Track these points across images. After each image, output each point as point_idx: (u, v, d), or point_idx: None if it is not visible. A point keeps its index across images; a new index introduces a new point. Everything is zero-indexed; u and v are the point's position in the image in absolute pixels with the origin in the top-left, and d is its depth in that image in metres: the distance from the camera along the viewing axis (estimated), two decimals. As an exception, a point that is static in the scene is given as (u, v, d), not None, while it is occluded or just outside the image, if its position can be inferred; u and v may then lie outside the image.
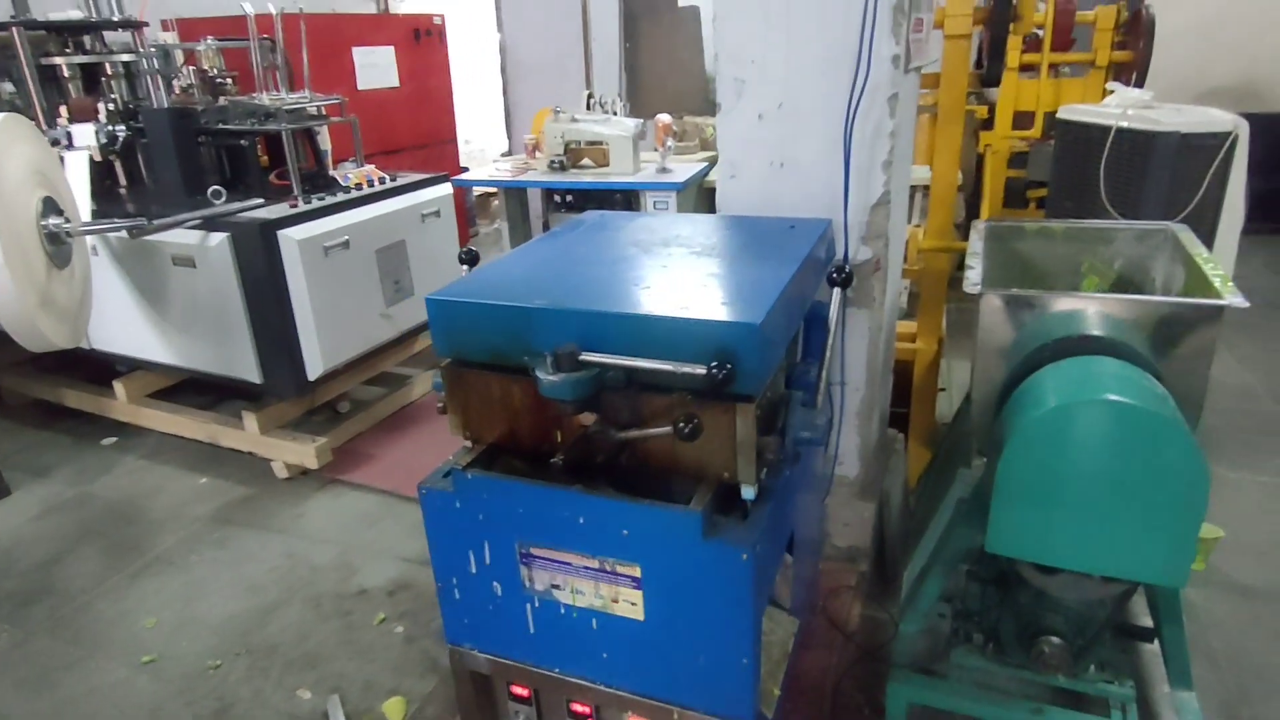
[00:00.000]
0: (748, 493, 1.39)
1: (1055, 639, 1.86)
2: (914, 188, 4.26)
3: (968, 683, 2.04)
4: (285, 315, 3.08)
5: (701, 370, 1.24)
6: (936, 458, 2.90)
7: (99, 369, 3.76)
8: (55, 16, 3.54)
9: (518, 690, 1.70)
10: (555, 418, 1.45)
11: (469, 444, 1.57)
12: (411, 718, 2.15)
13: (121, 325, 3.41)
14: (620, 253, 1.73)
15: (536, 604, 1.54)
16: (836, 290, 1.56)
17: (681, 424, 1.29)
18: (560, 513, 1.43)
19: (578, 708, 1.64)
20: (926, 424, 3.14)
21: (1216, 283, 1.78)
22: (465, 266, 1.74)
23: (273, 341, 3.12)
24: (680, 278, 1.54)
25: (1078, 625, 1.90)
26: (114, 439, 3.73)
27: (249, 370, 3.18)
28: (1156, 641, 2.04)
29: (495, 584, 1.56)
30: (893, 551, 2.58)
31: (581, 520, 1.41)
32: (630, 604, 1.45)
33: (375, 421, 3.72)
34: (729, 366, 1.24)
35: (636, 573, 1.41)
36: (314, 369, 3.19)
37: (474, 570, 1.57)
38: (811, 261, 1.69)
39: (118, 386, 3.65)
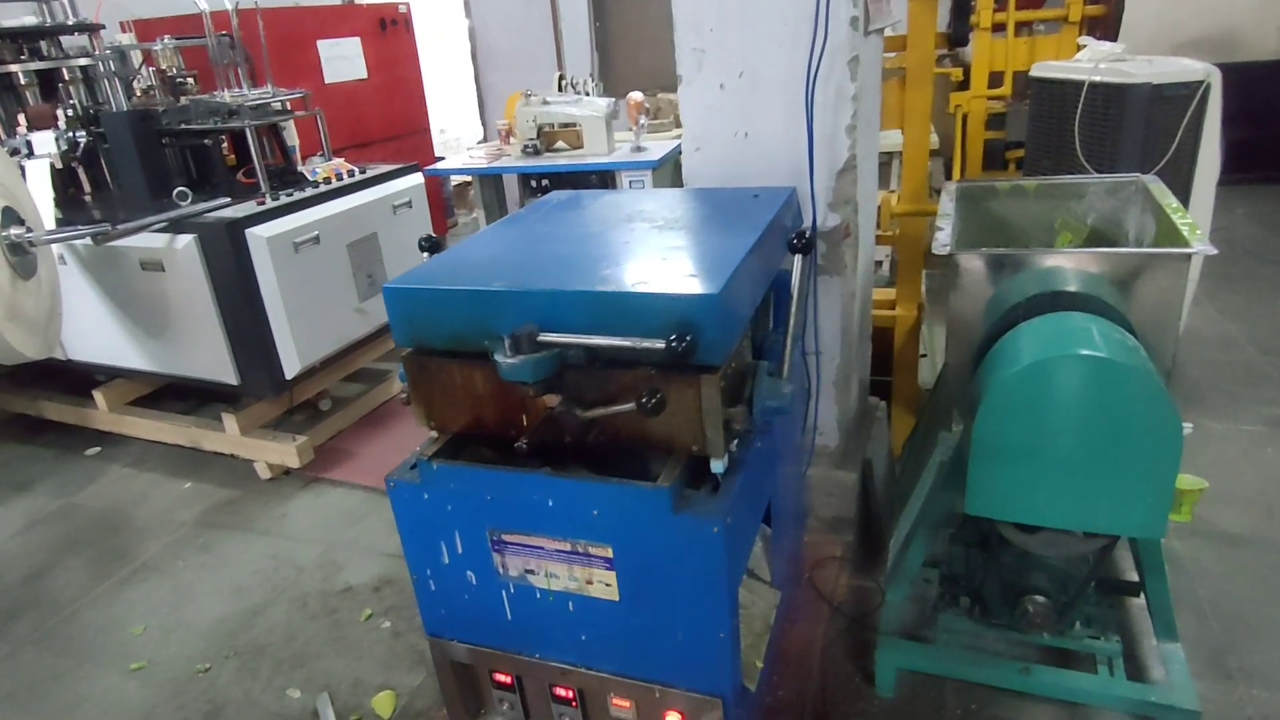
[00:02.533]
0: (717, 465, 1.37)
1: (1039, 598, 1.86)
2: (889, 154, 4.23)
3: (956, 646, 2.04)
4: (258, 315, 3.05)
5: (660, 345, 1.22)
6: (919, 424, 2.89)
7: (78, 380, 3.72)
8: (8, 23, 3.47)
9: (500, 678, 1.69)
10: (520, 401, 1.43)
11: (435, 434, 1.55)
12: (401, 711, 2.14)
13: (96, 334, 3.37)
14: (583, 230, 1.70)
15: (511, 590, 1.53)
16: (799, 257, 1.54)
17: (645, 399, 1.27)
18: (528, 497, 1.41)
19: (561, 692, 1.63)
20: (909, 391, 3.13)
21: (1185, 231, 1.76)
22: (426, 254, 1.71)
23: (247, 342, 3.09)
24: (641, 252, 1.51)
25: (1061, 583, 1.89)
26: (97, 449, 3.69)
27: (225, 372, 3.14)
28: (1142, 595, 2.04)
29: (469, 573, 1.55)
30: (879, 520, 2.57)
31: (550, 503, 1.39)
32: (605, 585, 1.43)
33: (356, 418, 3.69)
34: (689, 338, 1.22)
35: (609, 553, 1.40)
36: (291, 368, 3.16)
37: (447, 560, 1.55)
38: (776, 229, 1.67)
39: (97, 396, 3.61)
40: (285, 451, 3.22)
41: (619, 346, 1.26)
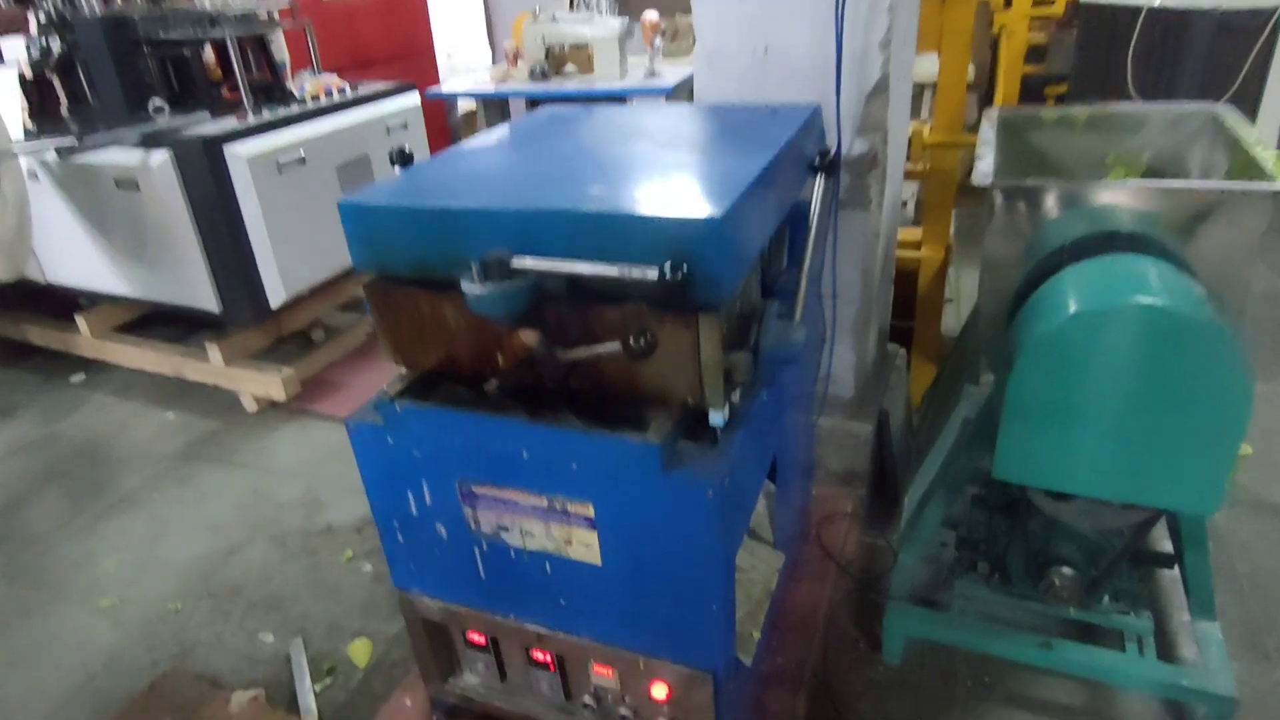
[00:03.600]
0: (715, 419, 1.19)
1: (1067, 569, 1.69)
2: (920, 86, 3.93)
3: (971, 615, 1.89)
4: (240, 239, 2.87)
5: (653, 273, 1.03)
6: (942, 375, 2.70)
7: (63, 304, 3.57)
8: (-27, -84, 3.21)
9: (474, 638, 1.55)
10: (495, 339, 1.25)
11: (403, 371, 1.38)
12: (378, 662, 2.03)
13: (74, 256, 3.20)
14: (573, 147, 1.50)
15: (484, 547, 1.37)
16: (820, 180, 1.33)
17: (633, 340, 1.09)
18: (501, 445, 1.24)
19: (538, 656, 1.50)
20: (931, 338, 2.93)
21: (1269, 165, 1.54)
22: (397, 167, 1.51)
23: (229, 268, 2.91)
24: (636, 171, 1.31)
25: (1091, 555, 1.73)
26: (81, 376, 3.57)
27: (206, 299, 2.98)
28: (1175, 568, 1.88)
29: (439, 526, 1.39)
30: (893, 475, 2.41)
31: (525, 454, 1.23)
32: (585, 547, 1.28)
33: (348, 350, 3.54)
34: (686, 268, 1.03)
35: (590, 512, 1.24)
36: (275, 296, 2.99)
37: (414, 512, 1.39)
38: (794, 151, 1.46)
39: (80, 321, 3.47)
40: (270, 383, 3.07)
41: (604, 276, 1.07)
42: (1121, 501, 1.52)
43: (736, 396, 1.23)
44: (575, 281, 1.14)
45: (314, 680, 1.96)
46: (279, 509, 2.62)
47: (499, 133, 1.65)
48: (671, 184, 1.22)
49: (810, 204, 1.40)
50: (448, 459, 1.30)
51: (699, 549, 1.19)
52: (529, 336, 1.22)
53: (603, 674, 1.45)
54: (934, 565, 2.11)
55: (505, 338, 1.24)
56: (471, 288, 1.11)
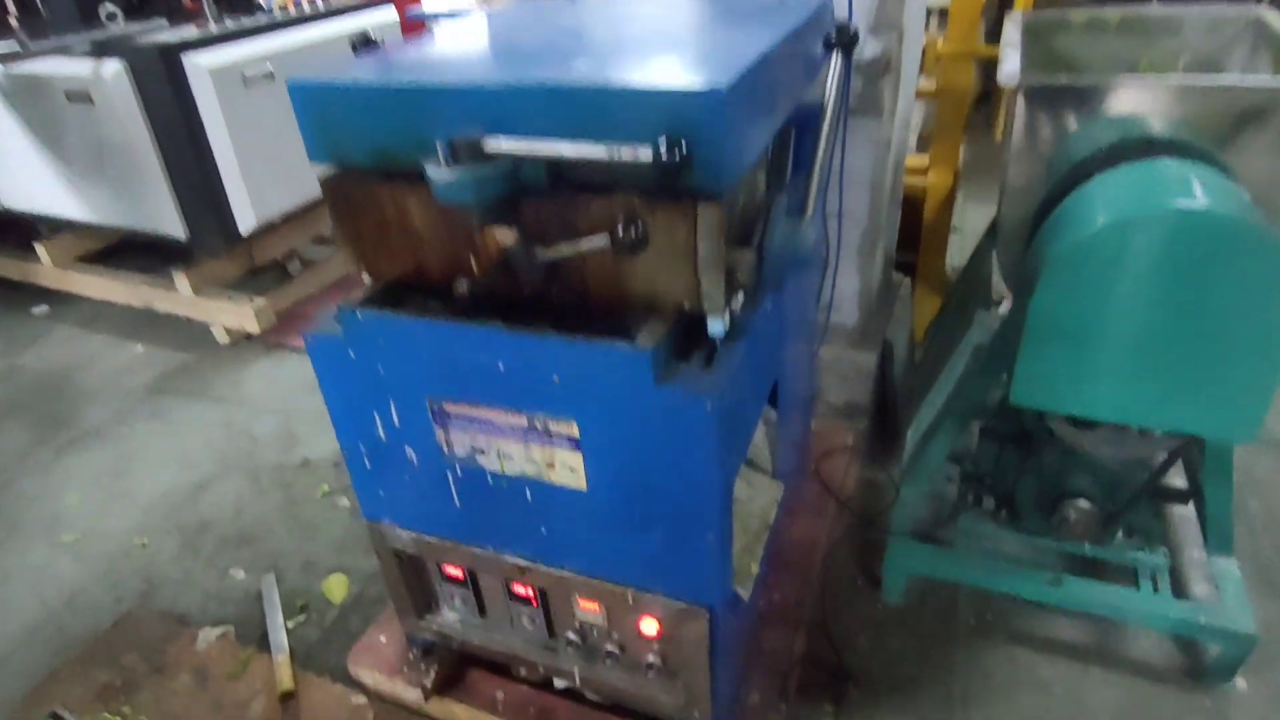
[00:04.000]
0: (715, 326, 1.06)
1: (1083, 502, 1.60)
2: (929, 9, 3.72)
3: (976, 552, 1.80)
4: (205, 159, 2.68)
5: (647, 153, 0.89)
6: (947, 306, 2.57)
7: (24, 232, 3.38)
8: None
9: (450, 571, 1.45)
10: (466, 238, 1.11)
11: (367, 280, 1.24)
12: (355, 598, 1.94)
13: (28, 179, 3.01)
14: (559, 28, 1.34)
15: (459, 472, 1.26)
16: (836, 59, 1.18)
17: (622, 231, 0.95)
18: (474, 357, 1.11)
19: (519, 590, 1.40)
20: (936, 269, 2.80)
21: (1325, 60, 1.39)
22: (359, 50, 1.34)
23: (194, 191, 2.73)
24: (630, 47, 1.15)
25: (1108, 488, 1.63)
26: (45, 307, 3.41)
27: (172, 225, 2.81)
28: (1188, 503, 1.78)
29: (409, 450, 1.27)
30: (895, 409, 2.30)
31: (501, 365, 1.10)
32: (569, 470, 1.16)
33: (326, 284, 3.38)
34: (685, 147, 0.89)
35: (573, 431, 1.11)
36: (245, 222, 2.82)
37: (382, 435, 1.27)
38: (804, 38, 1.30)
39: (40, 250, 3.29)
40: (243, 314, 2.92)
41: (590, 159, 0.93)
42: (1150, 428, 1.41)
43: (737, 304, 1.10)
44: (556, 169, 1.00)
45: (286, 617, 1.87)
46: (253, 443, 2.50)
47: (476, 20, 1.48)
48: (669, 58, 1.07)
49: (824, 93, 1.25)
50: (416, 374, 1.17)
51: (694, 472, 1.07)
52: (504, 235, 1.08)
53: (588, 609, 1.35)
54: (936, 502, 2.02)
55: (477, 237, 1.10)
56: (438, 172, 0.97)
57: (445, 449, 1.24)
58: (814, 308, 1.82)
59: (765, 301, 1.18)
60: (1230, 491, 1.64)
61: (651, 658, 1.35)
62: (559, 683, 1.65)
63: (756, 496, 1.47)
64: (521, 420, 1.14)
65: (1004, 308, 2.18)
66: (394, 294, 1.22)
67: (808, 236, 1.11)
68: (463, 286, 1.08)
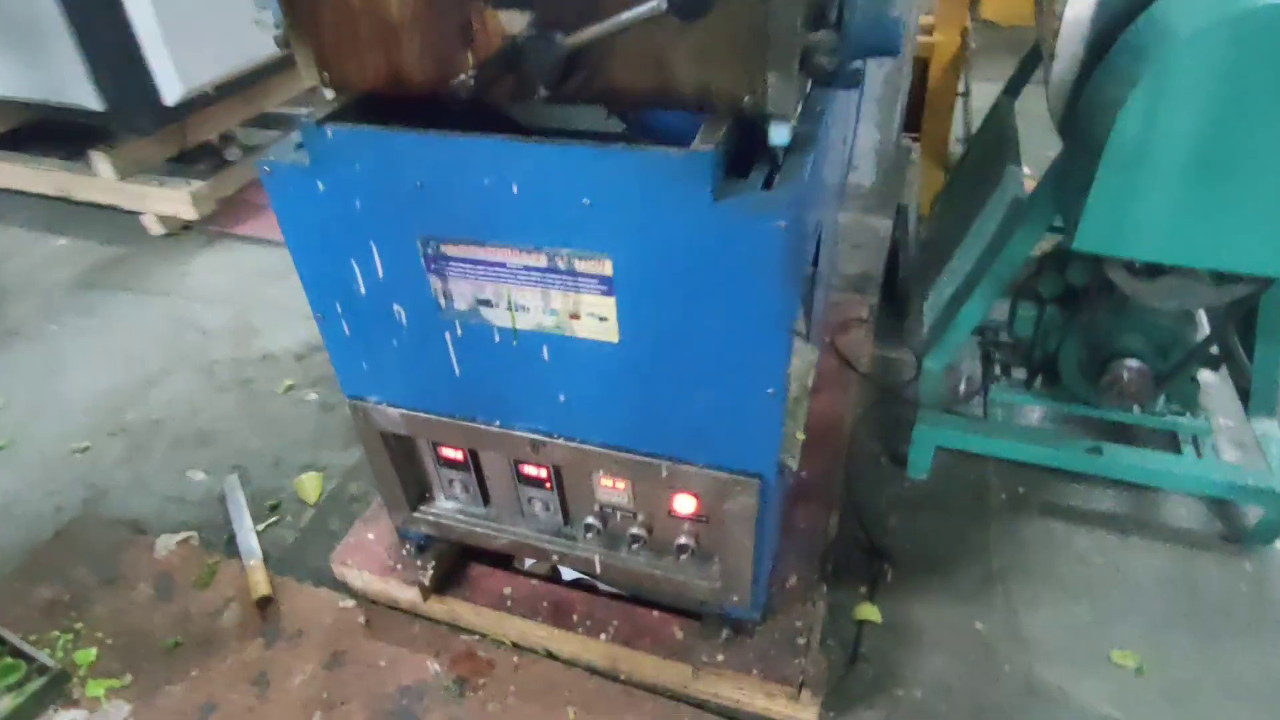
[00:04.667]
0: (779, 133, 0.86)
1: (1134, 362, 1.46)
2: None
3: (1009, 423, 1.68)
4: (117, 14, 2.31)
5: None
6: (960, 171, 2.39)
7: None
8: None
9: (448, 453, 1.26)
10: (462, 27, 0.87)
11: (329, 93, 1.00)
12: (331, 495, 1.75)
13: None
14: None
15: (459, 332, 1.06)
16: None
17: (676, -6, 0.74)
18: (480, 177, 0.90)
19: (530, 471, 1.22)
20: (940, 138, 2.60)
21: None
22: None
23: (109, 54, 2.37)
24: None
25: (1160, 348, 1.50)
26: (-52, 200, 3.02)
27: (85, 94, 2.45)
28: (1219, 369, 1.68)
29: (396, 307, 1.06)
30: (904, 282, 2.15)
31: (515, 188, 0.89)
32: (598, 320, 0.97)
33: (273, 167, 3.04)
34: None
35: (606, 269, 0.92)
36: (171, 91, 2.47)
37: (362, 290, 1.06)
38: None
39: (-67, 132, 2.89)
40: (178, 199, 2.61)
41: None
42: (1232, 270, 1.27)
43: (799, 108, 0.90)
44: (584, -87, 0.77)
45: (256, 520, 1.68)
46: (204, 337, 2.24)
47: None
48: None
49: None
50: (405, 207, 0.95)
51: (756, 313, 0.89)
52: (512, 21, 0.85)
53: (612, 489, 1.19)
54: (952, 376, 1.89)
55: (475, 24, 0.87)
56: (429, -85, 0.73)
57: (442, 303, 1.03)
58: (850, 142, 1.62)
59: (833, 99, 0.98)
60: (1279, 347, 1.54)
61: (684, 539, 1.19)
62: (567, 574, 1.51)
63: (796, 361, 1.30)
64: (540, 259, 0.94)
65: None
66: (365, 111, 0.98)
67: (897, 15, 0.89)
68: (465, 80, 0.86)
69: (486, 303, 1.01)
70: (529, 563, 1.54)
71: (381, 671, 1.39)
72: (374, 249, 1.01)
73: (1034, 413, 1.85)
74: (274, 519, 1.70)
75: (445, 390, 1.14)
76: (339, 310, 1.10)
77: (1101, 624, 1.45)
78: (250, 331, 2.26)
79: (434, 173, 0.91)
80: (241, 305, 2.37)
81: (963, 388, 1.87)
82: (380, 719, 1.32)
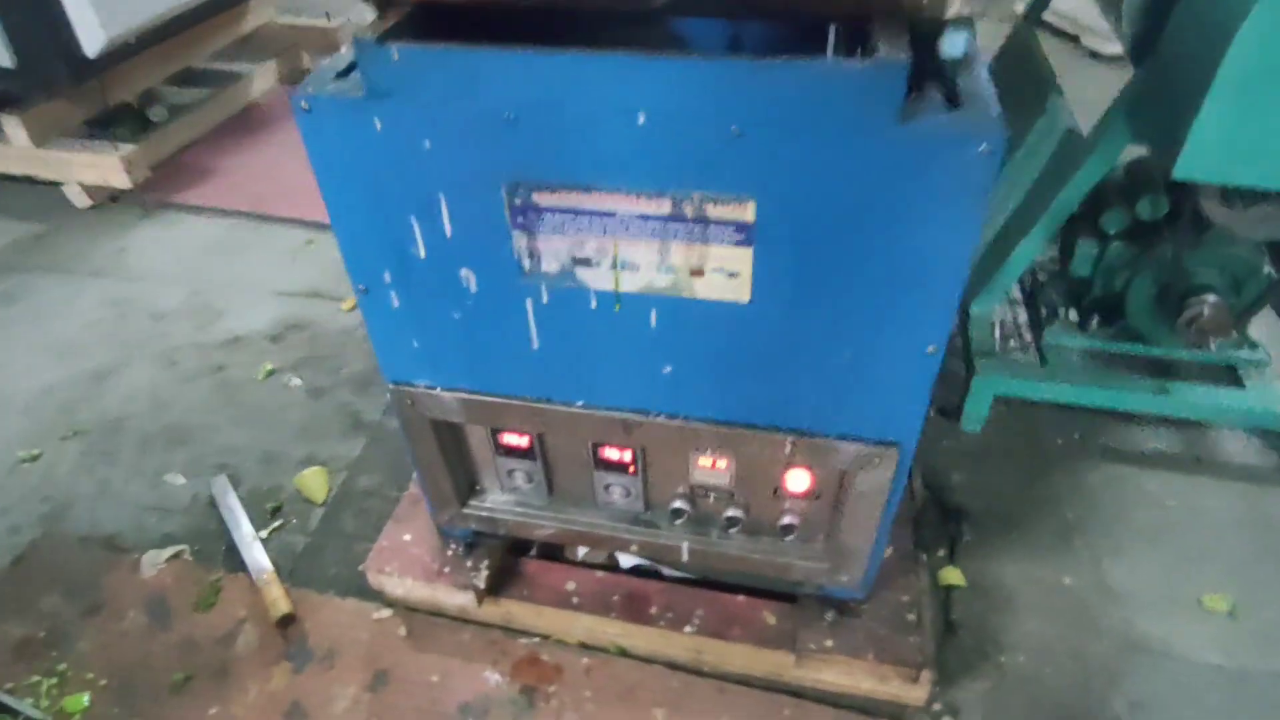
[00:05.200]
0: (955, 44, 0.72)
1: (1213, 297, 1.39)
2: None
3: (1069, 366, 1.61)
4: (19, -54, 1.98)
5: None
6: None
7: None
8: None
9: (510, 440, 1.09)
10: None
11: (376, 7, 0.80)
12: (341, 492, 1.56)
13: None
14: None
15: (544, 298, 0.88)
16: None
17: None
18: (596, 104, 0.72)
19: (611, 455, 1.07)
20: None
21: None
22: None
23: (20, 1, 2.03)
24: None
25: (1235, 281, 1.44)
26: None
27: (-13, 45, 2.10)
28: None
29: (464, 272, 0.88)
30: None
31: (643, 116, 0.72)
32: (726, 276, 0.81)
33: (204, 130, 2.73)
34: None
35: (748, 213, 0.76)
36: (92, 41, 2.15)
37: (422, 252, 0.87)
38: None
39: None
40: (106, 166, 2.29)
41: None
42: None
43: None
44: None
45: (257, 526, 1.47)
46: (157, 322, 1.98)
47: None
48: None
49: None
50: (490, 146, 0.77)
51: (935, 254, 0.75)
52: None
53: (711, 468, 1.05)
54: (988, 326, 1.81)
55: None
56: None
57: (526, 264, 0.86)
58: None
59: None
60: (1346, 274, 1.49)
61: (789, 519, 1.07)
62: (625, 561, 1.37)
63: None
64: (662, 206, 0.77)
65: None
66: (424, 27, 0.79)
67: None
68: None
69: (585, 262, 0.84)
70: (581, 552, 1.40)
71: (435, 688, 1.23)
72: (443, 201, 0.82)
73: (1073, 356, 1.78)
74: (278, 523, 1.50)
75: (518, 368, 0.97)
76: (387, 280, 0.91)
77: (1186, 568, 1.40)
78: (211, 313, 2.01)
79: (533, 101, 0.73)
80: (196, 284, 2.10)
81: (1003, 334, 1.79)
82: (443, 743, 1.17)
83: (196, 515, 1.52)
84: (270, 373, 1.82)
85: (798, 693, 1.22)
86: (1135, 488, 1.54)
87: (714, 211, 0.77)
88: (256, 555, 1.40)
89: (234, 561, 1.42)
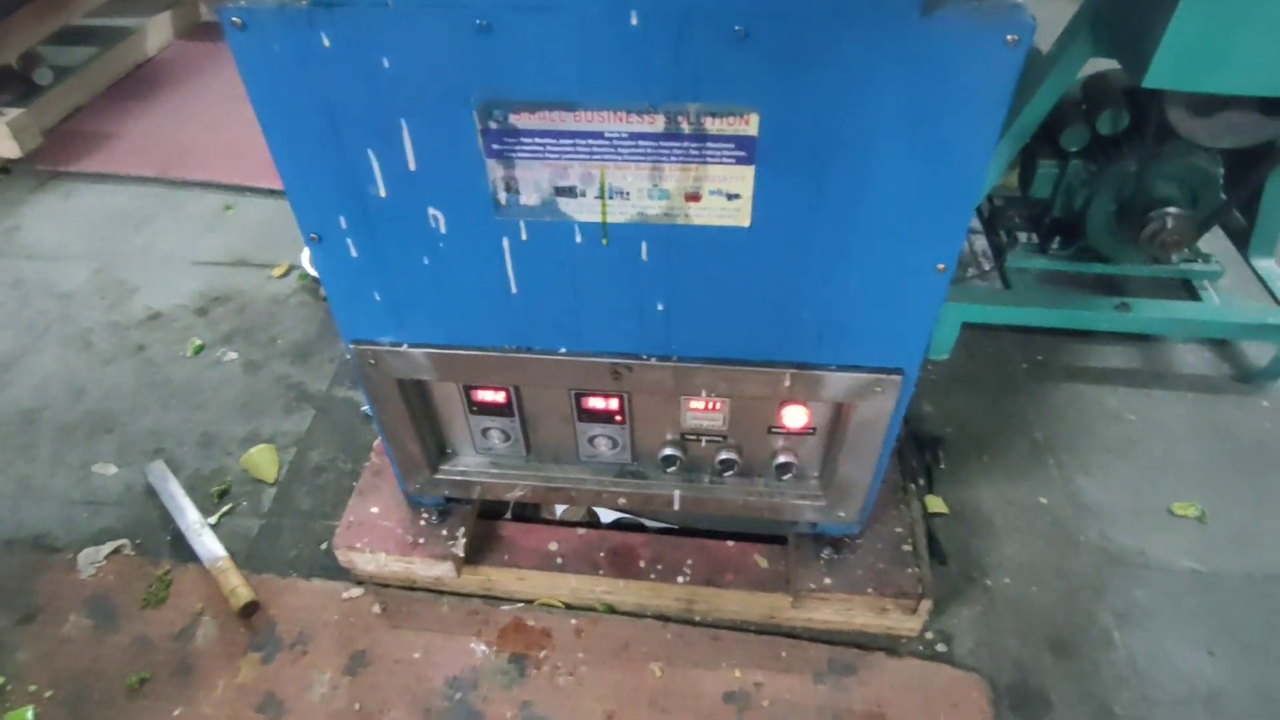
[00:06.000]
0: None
1: (1175, 209, 1.40)
2: None
3: (1033, 289, 1.61)
4: None
5: None
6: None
7: None
8: None
9: (485, 396, 1.02)
10: None
11: (314, -94, 0.69)
12: (293, 469, 1.45)
13: None
14: None
15: (523, 235, 0.81)
16: None
17: None
18: (581, 6, 0.64)
19: (597, 404, 1.00)
20: None
21: None
22: None
23: None
24: None
25: (1193, 195, 1.45)
26: None
27: None
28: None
29: (432, 211, 0.80)
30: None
31: (635, 16, 0.64)
32: (725, 199, 0.75)
33: (97, 91, 2.49)
34: None
35: (750, 126, 0.69)
36: (-45, -12, 1.91)
37: (382, 190, 0.78)
38: None
39: None
40: (-12, 133, 2.07)
41: None
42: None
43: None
44: None
45: (204, 513, 1.36)
46: (63, 302, 1.80)
47: None
48: None
49: None
50: (458, 61, 0.68)
51: (955, 161, 0.70)
52: None
53: (705, 410, 1.00)
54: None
55: None
56: None
57: (502, 198, 0.77)
58: None
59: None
60: (1290, 184, 1.53)
61: (785, 458, 1.03)
62: (605, 516, 1.32)
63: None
64: (655, 122, 0.70)
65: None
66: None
67: None
68: None
69: (568, 191, 0.76)
70: (559, 511, 1.34)
71: (418, 665, 1.16)
72: (405, 130, 0.73)
73: (1034, 279, 1.80)
74: (227, 507, 1.39)
75: (494, 316, 0.89)
76: (343, 226, 0.82)
77: (1153, 479, 1.43)
78: (124, 289, 1.84)
79: (510, 2, 0.64)
80: (103, 259, 1.92)
81: (961, 264, 1.79)
82: (434, 720, 1.11)
83: (133, 506, 1.40)
84: (200, 349, 1.68)
85: (791, 634, 1.20)
86: (1098, 404, 1.56)
87: (713, 126, 0.70)
88: (207, 542, 1.29)
89: (182, 551, 1.31)
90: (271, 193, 2.10)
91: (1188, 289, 1.69)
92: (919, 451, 1.45)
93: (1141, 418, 1.54)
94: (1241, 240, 1.65)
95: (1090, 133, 1.46)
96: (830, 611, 1.16)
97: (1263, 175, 1.44)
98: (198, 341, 1.69)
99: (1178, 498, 1.40)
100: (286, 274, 1.86)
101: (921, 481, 1.42)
